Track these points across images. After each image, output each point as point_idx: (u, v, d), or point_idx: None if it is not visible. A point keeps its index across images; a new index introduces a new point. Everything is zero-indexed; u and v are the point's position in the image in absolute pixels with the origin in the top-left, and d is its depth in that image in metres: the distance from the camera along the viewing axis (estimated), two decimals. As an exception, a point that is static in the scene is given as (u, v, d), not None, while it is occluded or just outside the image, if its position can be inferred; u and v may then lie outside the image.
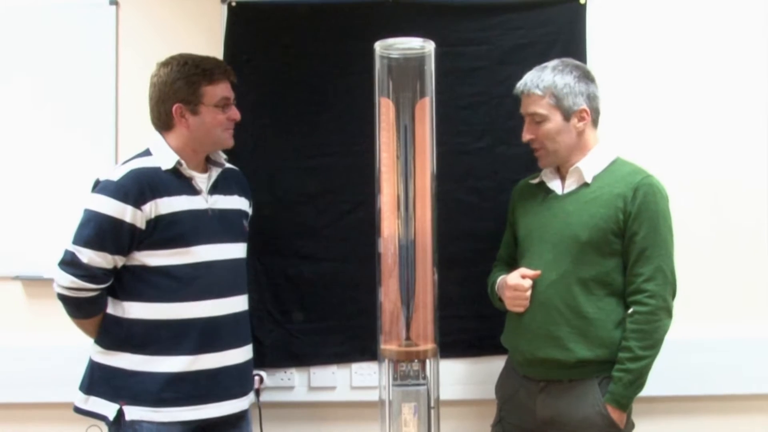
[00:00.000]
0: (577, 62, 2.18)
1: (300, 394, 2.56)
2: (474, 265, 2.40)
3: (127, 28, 2.59)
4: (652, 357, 2.02)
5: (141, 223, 2.03)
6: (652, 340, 2.02)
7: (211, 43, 2.53)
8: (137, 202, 2.01)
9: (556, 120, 2.10)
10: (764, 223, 2.55)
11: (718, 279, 2.53)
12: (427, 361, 1.89)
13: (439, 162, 1.96)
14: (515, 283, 2.10)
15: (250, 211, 2.34)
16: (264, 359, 2.52)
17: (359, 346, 2.50)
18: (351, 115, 2.46)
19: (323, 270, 2.53)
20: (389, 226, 1.92)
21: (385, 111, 1.92)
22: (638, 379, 2.02)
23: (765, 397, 2.54)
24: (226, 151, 2.53)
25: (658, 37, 2.56)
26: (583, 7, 2.54)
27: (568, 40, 2.53)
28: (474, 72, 2.52)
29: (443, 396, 1.97)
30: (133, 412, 2.03)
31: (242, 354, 2.18)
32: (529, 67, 2.18)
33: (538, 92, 2.09)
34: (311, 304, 2.54)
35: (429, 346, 1.90)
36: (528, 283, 2.09)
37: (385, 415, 1.87)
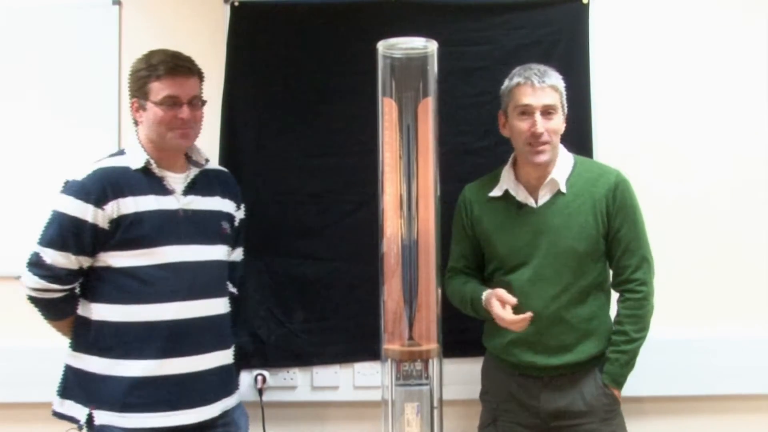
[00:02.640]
0: None
1: (303, 393, 2.56)
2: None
3: (130, 27, 2.59)
4: (643, 338, 2.15)
5: (103, 223, 1.99)
6: (643, 323, 2.15)
7: (213, 43, 2.54)
8: (99, 202, 1.99)
9: (561, 116, 2.16)
10: (763, 223, 2.55)
11: (717, 279, 2.53)
12: (430, 360, 1.89)
13: (442, 162, 1.96)
14: (499, 315, 2.09)
15: (237, 213, 2.28)
16: (267, 359, 2.53)
17: (362, 345, 2.50)
18: (353, 114, 2.47)
19: (326, 270, 2.53)
20: (392, 225, 1.91)
21: (388, 111, 1.92)
22: (632, 360, 2.15)
23: (764, 398, 2.54)
24: (228, 151, 2.53)
25: (661, 37, 2.56)
26: (586, 6, 2.54)
27: (570, 40, 2.53)
28: (476, 72, 2.53)
29: (446, 396, 1.96)
30: (102, 417, 2.00)
31: (217, 358, 2.12)
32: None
33: (556, 85, 2.14)
34: (314, 303, 2.54)
35: (432, 345, 1.90)
36: (515, 318, 2.07)
37: (387, 414, 1.87)
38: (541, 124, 2.10)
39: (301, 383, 2.56)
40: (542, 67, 2.15)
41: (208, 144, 2.50)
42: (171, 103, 2.04)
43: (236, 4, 2.55)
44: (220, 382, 2.14)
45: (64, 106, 2.57)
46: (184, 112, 2.06)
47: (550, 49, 2.51)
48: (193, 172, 2.14)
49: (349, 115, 2.50)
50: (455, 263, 2.31)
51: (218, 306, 2.15)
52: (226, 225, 2.20)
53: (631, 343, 2.13)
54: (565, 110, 2.17)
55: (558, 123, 2.14)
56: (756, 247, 2.54)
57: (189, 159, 2.16)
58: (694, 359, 2.50)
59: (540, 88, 2.11)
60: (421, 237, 1.90)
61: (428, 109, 1.93)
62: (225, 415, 2.15)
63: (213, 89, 2.51)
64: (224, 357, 2.15)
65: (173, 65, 2.05)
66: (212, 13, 2.57)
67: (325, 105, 2.54)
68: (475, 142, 2.52)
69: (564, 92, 2.16)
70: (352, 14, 2.54)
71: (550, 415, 2.15)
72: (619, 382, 2.15)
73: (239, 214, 2.30)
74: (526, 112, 2.12)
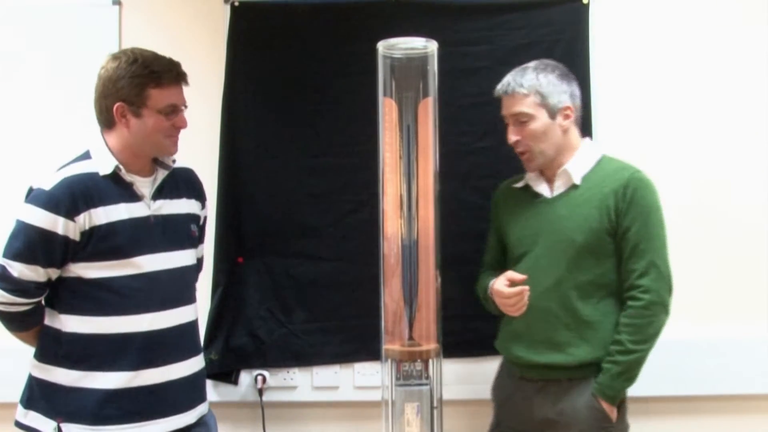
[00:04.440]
0: (556, 63, 2.17)
1: (303, 393, 2.56)
2: (477, 265, 2.39)
3: (130, 28, 2.59)
4: (644, 352, 2.01)
5: (74, 235, 1.91)
6: (644, 335, 2.00)
7: (213, 43, 2.54)
8: (69, 213, 1.89)
9: (542, 119, 2.09)
10: (763, 223, 2.54)
11: (717, 279, 2.52)
12: (430, 361, 1.89)
13: (442, 162, 1.96)
14: (498, 290, 2.09)
15: (202, 213, 2.21)
16: (266, 359, 2.53)
17: (362, 345, 2.50)
18: (354, 115, 2.47)
19: (326, 270, 2.53)
20: (392, 226, 1.92)
21: (388, 111, 1.92)
22: (626, 372, 2.01)
23: (764, 397, 2.54)
24: (228, 151, 2.52)
25: (661, 37, 2.56)
26: (586, 6, 2.54)
27: (570, 40, 2.53)
28: (476, 72, 2.52)
29: (446, 396, 1.97)
30: (72, 430, 1.93)
31: (189, 366, 2.06)
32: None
33: (523, 91, 2.08)
34: (314, 303, 2.54)
35: (432, 346, 1.90)
36: (510, 290, 2.06)
37: (387, 414, 1.87)
38: (512, 132, 2.11)
39: (301, 383, 2.56)
40: (515, 73, 2.12)
41: (208, 144, 2.51)
42: (171, 111, 1.99)
43: (236, 4, 2.56)
44: (194, 389, 2.10)
45: (63, 105, 2.56)
46: (183, 120, 2.03)
47: (550, 49, 2.50)
48: (161, 174, 2.06)
49: (349, 115, 2.50)
50: (486, 255, 2.31)
51: (189, 313, 2.10)
52: (194, 227, 2.15)
53: (627, 354, 1.99)
54: (551, 109, 2.08)
55: (534, 128, 2.08)
56: (758, 246, 2.53)
57: (155, 161, 2.08)
58: (693, 359, 2.49)
59: (508, 98, 2.11)
60: (421, 237, 1.91)
61: (428, 109, 1.93)
62: (199, 420, 2.11)
63: (213, 89, 2.52)
64: (196, 363, 2.10)
65: (177, 73, 1.98)
66: (212, 13, 2.57)
67: (324, 105, 2.54)
68: (475, 142, 2.52)
69: (543, 92, 2.07)
70: (352, 14, 2.54)
71: (542, 422, 2.10)
72: (608, 395, 2.02)
73: (203, 213, 2.23)
74: (507, 123, 2.15)
